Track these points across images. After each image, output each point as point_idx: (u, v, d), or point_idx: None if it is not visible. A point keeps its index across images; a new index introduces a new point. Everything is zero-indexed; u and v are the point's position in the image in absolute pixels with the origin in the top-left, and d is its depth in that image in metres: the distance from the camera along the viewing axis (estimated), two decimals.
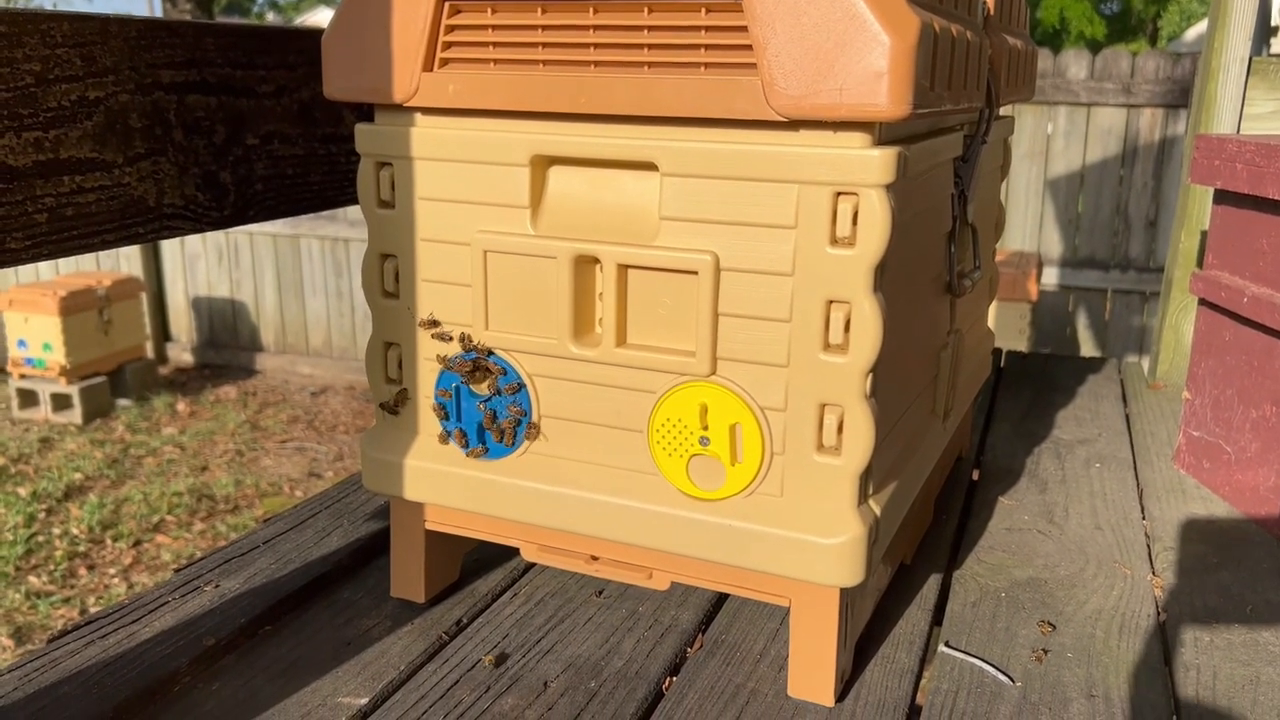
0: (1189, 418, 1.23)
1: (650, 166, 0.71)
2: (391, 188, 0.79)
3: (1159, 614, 0.91)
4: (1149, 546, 1.04)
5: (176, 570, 0.94)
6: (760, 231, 0.69)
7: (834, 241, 0.67)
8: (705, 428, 0.73)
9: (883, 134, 0.67)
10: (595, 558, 0.81)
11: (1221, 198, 1.19)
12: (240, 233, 4.88)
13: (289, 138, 0.96)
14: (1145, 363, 1.74)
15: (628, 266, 0.73)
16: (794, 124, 0.67)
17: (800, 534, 0.71)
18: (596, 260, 0.74)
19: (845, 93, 0.63)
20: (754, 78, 0.66)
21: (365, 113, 0.80)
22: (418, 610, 0.88)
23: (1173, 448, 1.30)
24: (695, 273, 0.71)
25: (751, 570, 0.74)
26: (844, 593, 0.74)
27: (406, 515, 0.87)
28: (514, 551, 0.97)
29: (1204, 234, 1.54)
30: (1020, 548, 1.03)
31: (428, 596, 0.89)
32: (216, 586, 0.90)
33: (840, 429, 0.70)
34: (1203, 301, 1.21)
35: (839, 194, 0.66)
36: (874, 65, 0.62)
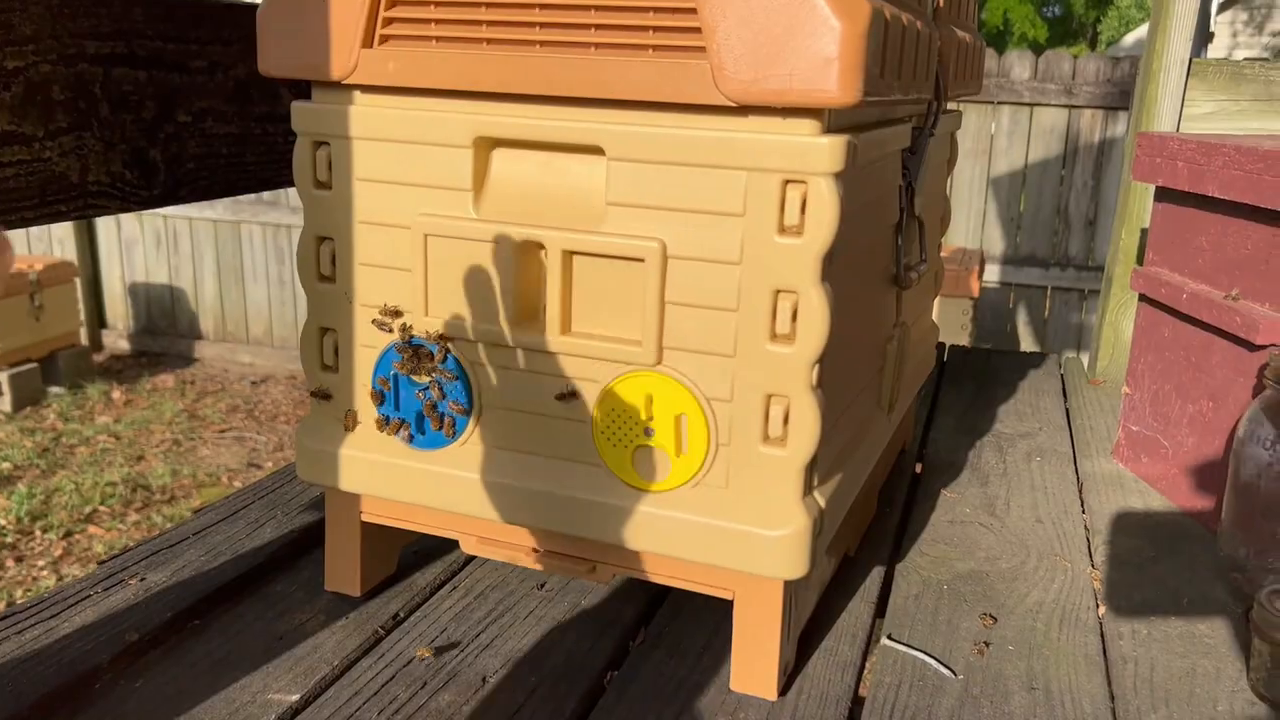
0: (1128, 412, 1.25)
1: (597, 150, 0.70)
2: (329, 168, 0.76)
3: (1098, 606, 0.91)
4: (1088, 539, 1.05)
5: (100, 563, 0.91)
6: (708, 219, 0.68)
7: (782, 230, 0.66)
8: (650, 418, 0.71)
9: (832, 122, 0.66)
10: (537, 550, 0.80)
11: (1162, 195, 1.20)
12: (180, 218, 4.77)
13: (223, 116, 0.93)
14: (1084, 359, 1.77)
15: (573, 253, 0.71)
16: (743, 109, 0.65)
17: (745, 526, 0.70)
18: (541, 246, 0.72)
19: (795, 78, 0.62)
20: (703, 61, 0.65)
21: (303, 91, 0.78)
22: (353, 604, 0.86)
23: (1112, 442, 1.32)
24: (642, 260, 0.69)
25: (695, 563, 0.73)
26: (788, 585, 0.73)
27: (342, 506, 0.84)
28: (454, 544, 0.95)
29: (1144, 232, 1.57)
30: (962, 540, 1.03)
31: (364, 590, 0.86)
32: (142, 580, 0.87)
33: (786, 420, 0.69)
34: (1143, 298, 1.22)
35: (787, 182, 0.65)
36: (824, 50, 0.61)
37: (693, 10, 0.64)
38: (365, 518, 0.84)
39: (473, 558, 0.94)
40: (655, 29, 0.66)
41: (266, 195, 4.64)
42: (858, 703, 0.77)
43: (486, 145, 0.73)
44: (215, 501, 1.04)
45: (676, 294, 0.69)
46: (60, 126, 0.77)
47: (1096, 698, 0.78)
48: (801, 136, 0.64)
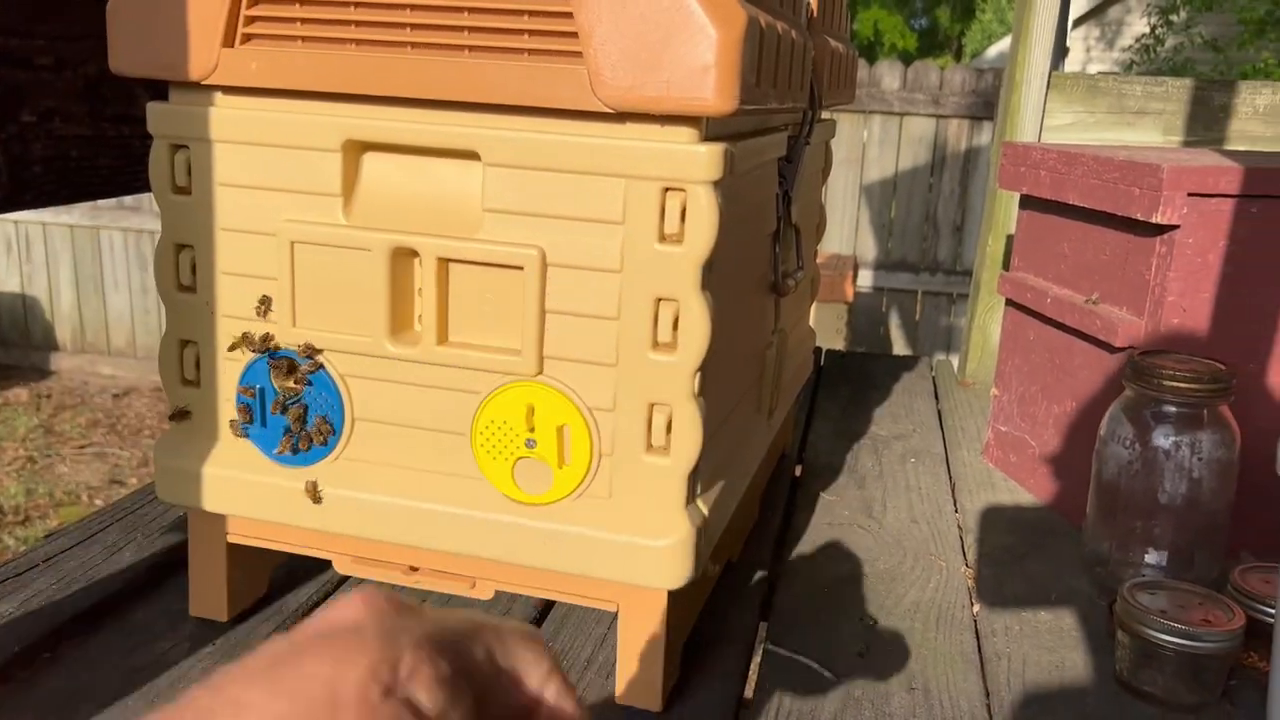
0: (997, 413, 1.29)
1: (472, 156, 0.68)
2: (188, 172, 0.73)
3: (972, 604, 0.94)
4: (961, 539, 1.08)
5: None
6: (588, 226, 0.67)
7: (662, 238, 0.66)
8: (532, 429, 0.70)
9: (709, 130, 0.66)
10: (415, 568, 0.77)
11: (1026, 203, 1.24)
12: (33, 223, 4.52)
13: (73, 116, 0.88)
14: (954, 360, 1.82)
15: (449, 260, 0.69)
16: (621, 116, 0.65)
17: (628, 536, 0.69)
18: (415, 253, 0.70)
19: (672, 85, 0.62)
20: (580, 67, 0.64)
21: (160, 91, 0.74)
22: (220, 630, 0.82)
23: (982, 442, 1.36)
24: (521, 268, 0.68)
25: (579, 575, 0.72)
26: (672, 595, 0.73)
27: (206, 527, 0.80)
28: (328, 563, 0.92)
29: (1010, 238, 1.62)
30: (842, 543, 1.05)
31: (231, 614, 0.82)
32: None
33: (669, 429, 0.69)
34: (1009, 302, 1.27)
35: (667, 189, 0.65)
36: (701, 58, 0.61)
37: (569, 14, 0.63)
38: (231, 538, 0.80)
39: (348, 577, 0.91)
40: (531, 32, 0.65)
41: (128, 200, 4.43)
42: (743, 708, 0.77)
43: (356, 149, 0.70)
44: (68, 524, 0.98)
45: (557, 302, 0.68)
46: None
47: (973, 695, 0.79)
48: (680, 144, 0.64)
